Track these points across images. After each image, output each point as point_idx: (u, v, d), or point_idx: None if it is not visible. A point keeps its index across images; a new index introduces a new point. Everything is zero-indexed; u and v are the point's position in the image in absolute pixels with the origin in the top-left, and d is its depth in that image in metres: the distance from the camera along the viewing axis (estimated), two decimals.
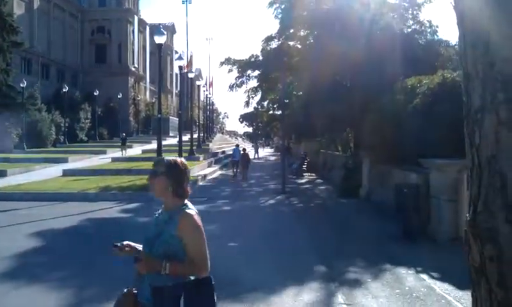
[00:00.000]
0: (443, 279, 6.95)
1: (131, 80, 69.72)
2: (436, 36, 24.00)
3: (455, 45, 24.10)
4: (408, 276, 7.25)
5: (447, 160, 10.44)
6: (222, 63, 34.18)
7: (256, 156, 53.95)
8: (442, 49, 22.53)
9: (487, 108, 1.48)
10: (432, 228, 10.46)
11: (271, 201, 17.10)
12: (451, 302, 6.02)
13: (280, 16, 27.45)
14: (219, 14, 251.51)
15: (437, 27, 23.78)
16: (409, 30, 23.32)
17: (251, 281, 7.01)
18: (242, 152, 26.59)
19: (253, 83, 35.07)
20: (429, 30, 23.85)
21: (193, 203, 3.07)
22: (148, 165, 23.93)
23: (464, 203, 9.69)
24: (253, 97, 36.91)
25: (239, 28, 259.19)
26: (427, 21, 23.80)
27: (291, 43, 29.23)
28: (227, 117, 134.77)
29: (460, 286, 6.44)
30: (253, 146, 61.27)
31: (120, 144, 37.23)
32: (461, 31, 1.61)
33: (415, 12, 23.99)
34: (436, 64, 19.56)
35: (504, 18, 1.44)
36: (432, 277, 7.11)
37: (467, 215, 1.56)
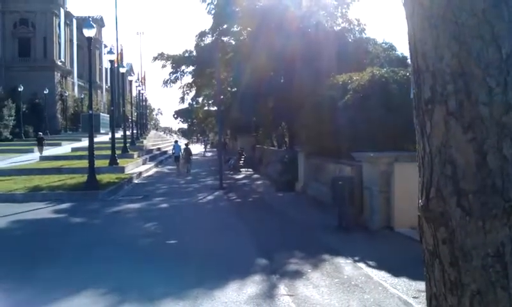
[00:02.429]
0: (379, 267, 7.27)
1: (58, 75, 66.53)
2: (364, 34, 24.93)
3: (382, 43, 25.28)
4: (346, 265, 7.51)
5: (378, 153, 10.91)
6: (155, 58, 33.48)
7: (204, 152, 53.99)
8: (370, 47, 23.45)
9: (437, 99, 1.57)
10: (365, 217, 10.90)
11: (209, 197, 17.04)
12: (387, 289, 6.31)
13: (213, 11, 27.34)
14: (151, 7, 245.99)
15: (365, 25, 24.74)
16: (339, 28, 24.06)
17: (193, 277, 6.97)
18: (184, 147, 28.13)
19: (188, 79, 34.66)
20: (357, 28, 24.75)
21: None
22: (79, 163, 23.14)
23: (395, 193, 10.20)
24: (187, 93, 36.44)
25: (171, 22, 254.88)
26: (356, 19, 24.72)
27: (225, 39, 29.20)
28: (161, 113, 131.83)
29: (395, 273, 6.78)
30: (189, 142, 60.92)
31: (36, 143, 35.58)
32: (410, 26, 1.69)
33: (344, 10, 24.78)
34: (365, 62, 20.31)
35: (452, 13, 1.53)
36: (369, 266, 7.42)
37: (420, 201, 1.64)
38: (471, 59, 1.53)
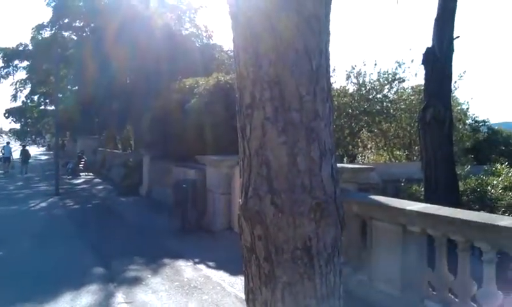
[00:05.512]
0: (218, 267, 7.47)
1: None
2: (211, 41, 25.56)
3: (228, 50, 26.15)
4: (187, 268, 7.56)
5: (221, 157, 11.22)
6: None
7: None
8: (217, 53, 24.09)
9: (256, 105, 1.67)
10: (208, 220, 11.11)
11: (43, 204, 15.67)
12: (225, 288, 6.51)
13: (53, 4, 25.46)
14: None
15: (212, 32, 25.43)
16: (187, 32, 24.30)
17: (22, 291, 6.35)
18: (22, 149, 27.93)
19: (22, 74, 31.79)
20: (205, 34, 25.32)
21: None
22: None
23: (235, 196, 10.59)
24: (21, 90, 33.38)
25: (4, 12, 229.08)
26: (204, 26, 25.24)
27: (66, 34, 27.35)
28: None
29: (233, 272, 7.03)
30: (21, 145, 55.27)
31: None
32: (234, 35, 1.77)
33: (192, 15, 25.13)
34: (212, 67, 20.77)
35: (270, 26, 1.64)
36: (209, 267, 7.58)
37: (240, 200, 1.73)
38: (286, 69, 1.66)
